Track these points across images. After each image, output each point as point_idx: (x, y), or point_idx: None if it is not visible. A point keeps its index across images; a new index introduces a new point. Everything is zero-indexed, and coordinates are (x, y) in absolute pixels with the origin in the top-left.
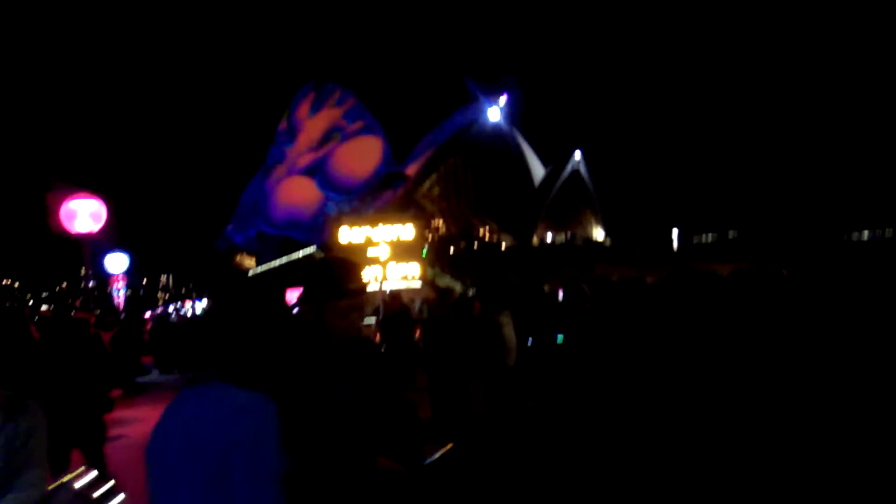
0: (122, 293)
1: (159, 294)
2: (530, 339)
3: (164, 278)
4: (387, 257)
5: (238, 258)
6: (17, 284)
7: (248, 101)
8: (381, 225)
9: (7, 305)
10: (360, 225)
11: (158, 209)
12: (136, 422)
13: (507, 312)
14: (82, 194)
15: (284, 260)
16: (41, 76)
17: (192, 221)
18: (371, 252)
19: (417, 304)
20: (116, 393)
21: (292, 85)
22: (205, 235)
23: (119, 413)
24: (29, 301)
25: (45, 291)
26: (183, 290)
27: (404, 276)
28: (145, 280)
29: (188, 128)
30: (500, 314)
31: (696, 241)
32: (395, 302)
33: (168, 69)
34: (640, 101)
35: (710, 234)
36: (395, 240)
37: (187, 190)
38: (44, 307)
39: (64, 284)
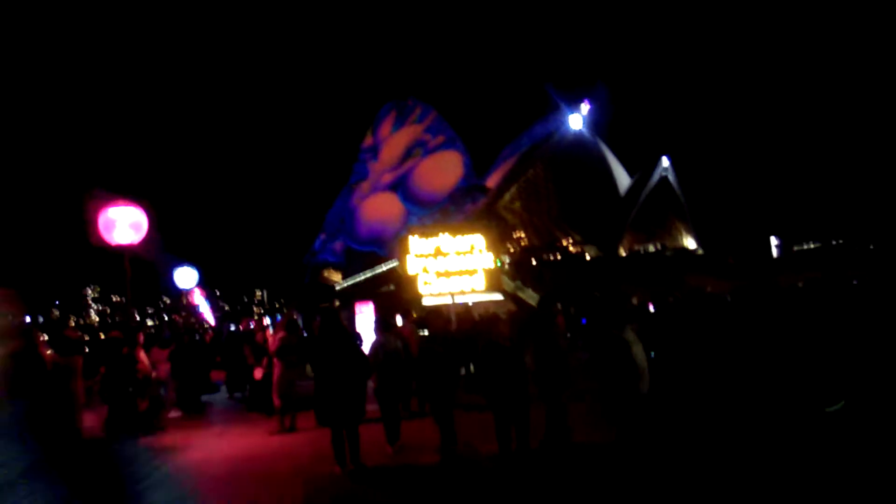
0: (205, 308)
1: (255, 308)
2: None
3: (259, 293)
4: (457, 269)
5: (325, 273)
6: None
7: (335, 119)
8: (450, 234)
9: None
10: (430, 235)
11: (255, 226)
12: (174, 452)
13: (631, 328)
14: (122, 202)
15: (369, 274)
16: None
17: (285, 238)
18: (441, 263)
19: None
20: (174, 414)
21: (376, 102)
22: (296, 251)
23: (166, 439)
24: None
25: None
26: (276, 305)
27: (473, 289)
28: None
29: (281, 148)
30: (624, 330)
31: (796, 249)
32: (465, 317)
33: (260, 91)
34: (731, 104)
35: (811, 243)
36: (465, 249)
37: (282, 207)
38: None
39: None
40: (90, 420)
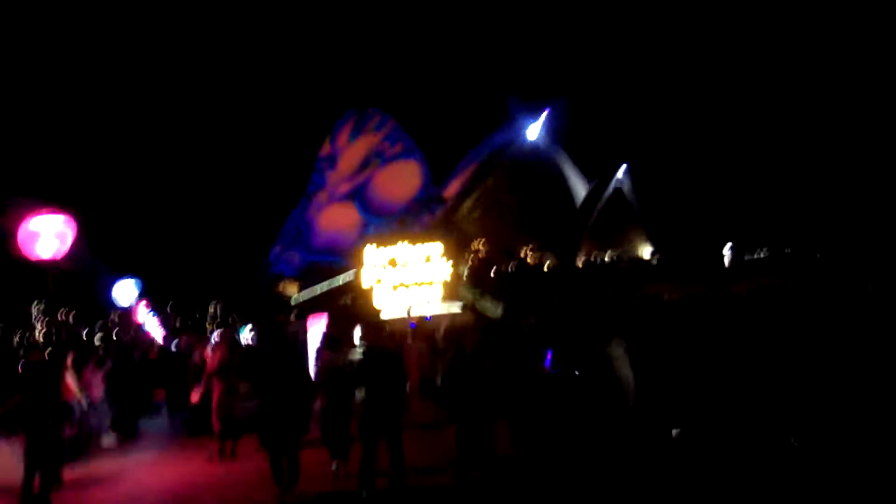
0: (152, 324)
1: (207, 324)
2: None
3: (212, 308)
4: (413, 280)
5: (281, 286)
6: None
7: (291, 127)
8: (407, 244)
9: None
10: (386, 245)
11: (207, 238)
12: (99, 483)
13: (618, 341)
14: (45, 211)
15: (326, 286)
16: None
17: (240, 250)
18: (397, 274)
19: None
20: (108, 440)
21: (334, 110)
22: (251, 263)
23: (98, 467)
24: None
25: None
26: (230, 320)
27: (439, 299)
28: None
29: (233, 155)
30: (610, 345)
31: (747, 257)
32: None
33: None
34: (690, 112)
35: (763, 250)
36: (422, 259)
37: (236, 217)
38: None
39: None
40: (4, 454)
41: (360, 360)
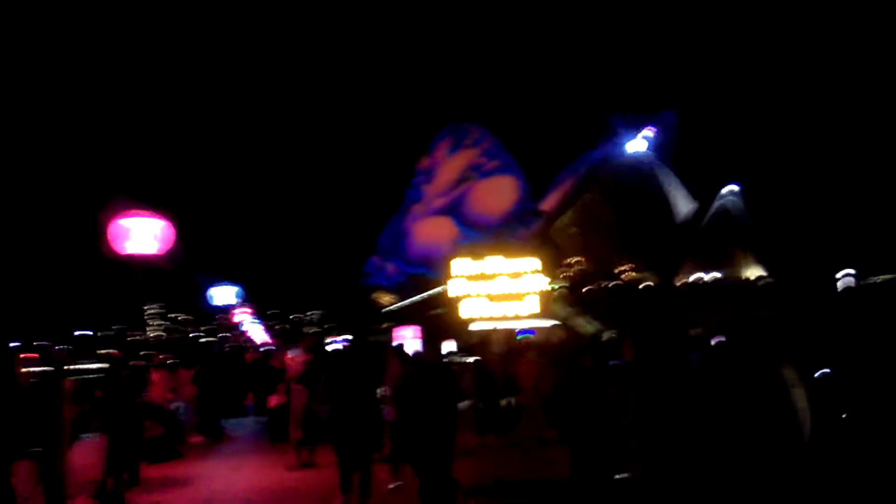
0: (254, 329)
1: (304, 329)
2: None
3: (311, 316)
4: (506, 291)
5: (375, 295)
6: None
7: (388, 142)
8: (501, 256)
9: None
10: (479, 257)
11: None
12: (183, 484)
13: (790, 366)
14: (139, 212)
15: (418, 297)
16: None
17: (337, 259)
18: (488, 286)
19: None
20: (196, 440)
21: (433, 125)
22: (349, 273)
23: (179, 468)
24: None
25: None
26: (325, 327)
27: (530, 315)
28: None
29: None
30: (783, 366)
31: (870, 280)
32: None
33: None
34: (804, 131)
35: (883, 275)
36: (516, 272)
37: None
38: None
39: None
40: (83, 452)
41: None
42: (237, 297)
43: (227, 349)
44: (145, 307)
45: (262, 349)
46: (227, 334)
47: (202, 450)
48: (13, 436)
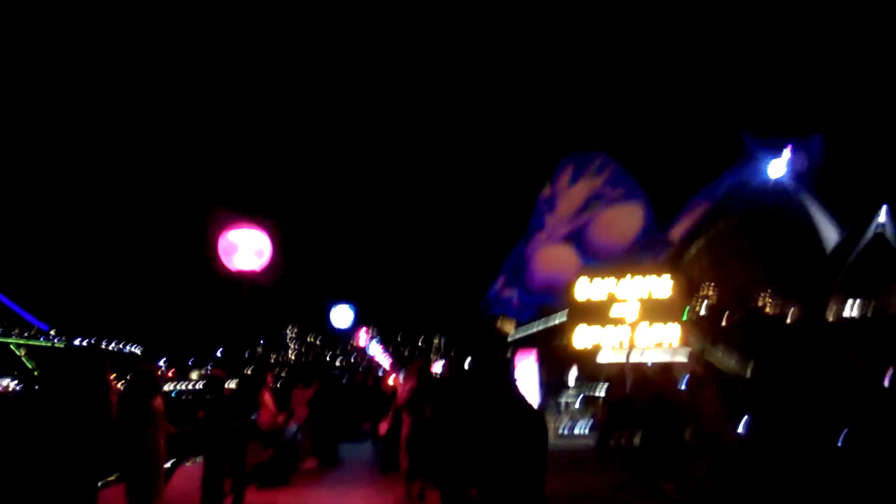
0: (376, 350)
1: (431, 356)
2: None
3: (437, 340)
4: (635, 318)
5: (499, 323)
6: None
7: (511, 171)
8: (628, 277)
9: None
10: (602, 277)
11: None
12: None
13: None
14: (244, 225)
15: (541, 325)
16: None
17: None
18: (615, 311)
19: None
20: (310, 465)
21: (554, 154)
22: (472, 300)
23: (285, 495)
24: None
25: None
26: (451, 353)
27: (658, 344)
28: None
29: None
30: None
31: None
32: (657, 378)
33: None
34: None
35: None
36: (646, 297)
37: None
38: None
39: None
40: (183, 476)
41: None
42: (352, 317)
43: (346, 371)
44: (286, 330)
45: (378, 373)
46: (357, 356)
47: (313, 476)
48: (97, 460)
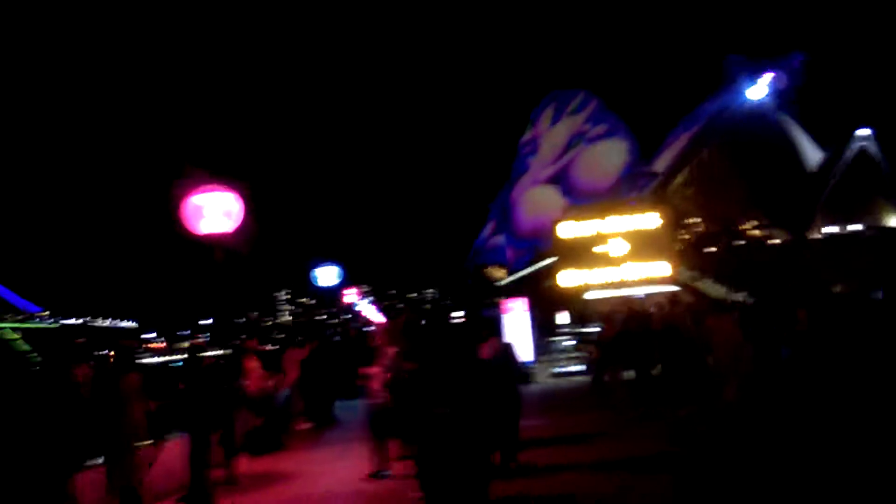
0: (363, 308)
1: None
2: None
3: (429, 293)
4: (623, 254)
5: (488, 270)
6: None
7: (492, 114)
8: (614, 215)
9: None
10: (588, 218)
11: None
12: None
13: None
14: (212, 187)
15: (530, 271)
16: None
17: (452, 236)
18: (603, 249)
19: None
20: (304, 426)
21: (532, 95)
22: (463, 249)
23: (281, 461)
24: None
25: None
26: (443, 304)
27: (649, 279)
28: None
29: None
30: None
31: None
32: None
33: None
34: None
35: None
36: (633, 231)
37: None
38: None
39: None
40: (167, 453)
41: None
42: (338, 277)
43: (340, 330)
44: (275, 294)
45: (365, 329)
46: (349, 316)
47: (308, 437)
48: (67, 444)
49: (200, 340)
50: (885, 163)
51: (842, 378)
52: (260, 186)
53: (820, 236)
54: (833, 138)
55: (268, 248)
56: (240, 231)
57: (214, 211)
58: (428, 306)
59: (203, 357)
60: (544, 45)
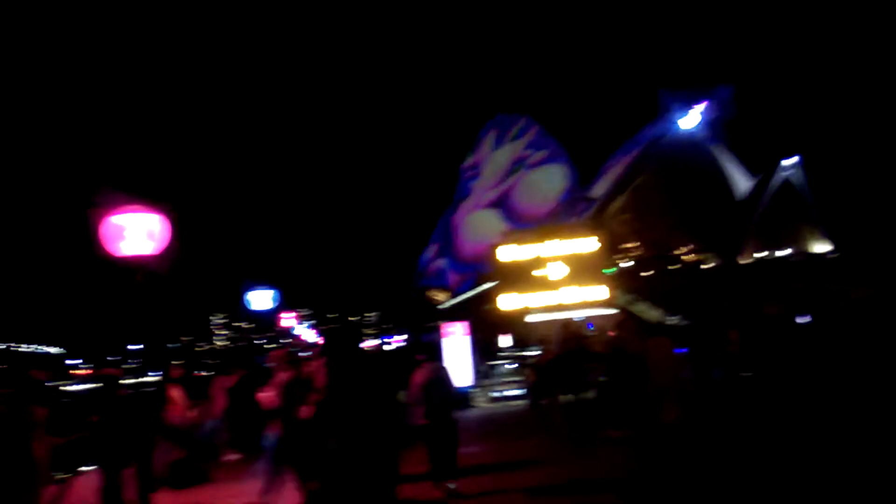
0: (306, 333)
1: (368, 331)
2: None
3: (372, 316)
4: (562, 278)
5: (430, 293)
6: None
7: (437, 139)
8: (554, 239)
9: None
10: (528, 242)
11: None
12: None
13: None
14: (133, 208)
15: (471, 294)
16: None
17: (394, 260)
18: (542, 272)
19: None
20: (232, 457)
21: (475, 121)
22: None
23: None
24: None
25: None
26: (384, 327)
27: (587, 302)
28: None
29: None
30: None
31: None
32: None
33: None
34: (865, 101)
35: None
36: (572, 255)
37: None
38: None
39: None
40: (78, 489)
41: None
42: (273, 300)
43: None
44: (211, 317)
45: (301, 354)
46: (287, 340)
47: (235, 469)
48: None
49: (112, 369)
50: (808, 191)
51: (774, 397)
52: (194, 208)
53: (750, 261)
54: (761, 166)
55: (202, 271)
56: (164, 253)
57: (136, 232)
58: (336, 329)
59: (117, 387)
60: (486, 71)
